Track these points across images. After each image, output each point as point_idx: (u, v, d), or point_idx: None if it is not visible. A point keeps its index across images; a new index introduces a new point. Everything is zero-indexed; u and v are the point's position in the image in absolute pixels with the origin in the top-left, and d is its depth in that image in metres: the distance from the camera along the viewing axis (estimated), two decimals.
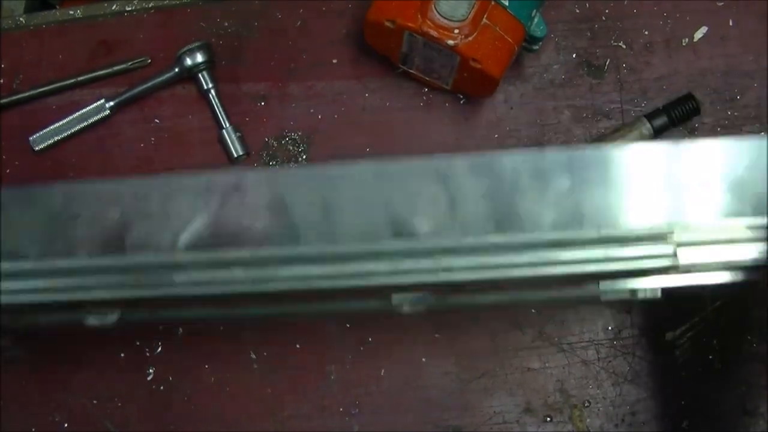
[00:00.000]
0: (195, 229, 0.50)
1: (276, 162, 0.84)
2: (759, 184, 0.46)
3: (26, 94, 0.87)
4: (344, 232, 0.50)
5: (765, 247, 0.61)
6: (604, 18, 0.83)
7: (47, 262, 0.51)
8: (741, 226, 0.48)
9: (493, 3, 0.72)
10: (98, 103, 0.86)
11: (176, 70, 0.85)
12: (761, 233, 0.49)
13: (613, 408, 0.77)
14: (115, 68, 0.87)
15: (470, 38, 0.72)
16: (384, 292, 0.63)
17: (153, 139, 0.86)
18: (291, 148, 0.84)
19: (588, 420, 0.77)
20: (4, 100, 0.87)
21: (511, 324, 0.79)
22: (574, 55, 0.83)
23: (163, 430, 0.81)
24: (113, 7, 0.90)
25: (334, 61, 0.86)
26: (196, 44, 0.84)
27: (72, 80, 0.87)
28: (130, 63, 0.86)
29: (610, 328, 0.79)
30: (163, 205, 0.50)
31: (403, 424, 0.79)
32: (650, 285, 0.64)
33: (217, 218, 0.50)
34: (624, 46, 0.83)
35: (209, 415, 0.81)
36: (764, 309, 0.72)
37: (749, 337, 0.77)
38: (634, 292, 0.59)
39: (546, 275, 0.50)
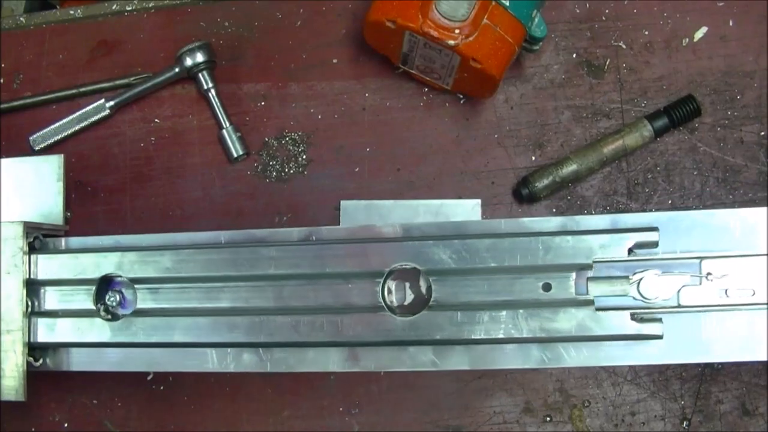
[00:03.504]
0: None
1: (276, 162, 0.84)
2: None
3: (28, 101, 0.88)
4: None
5: None
6: (604, 18, 0.83)
7: None
8: None
9: (493, 3, 0.72)
10: (98, 103, 0.86)
11: (176, 70, 0.85)
12: None
13: (613, 408, 0.77)
14: (117, 82, 0.87)
15: (471, 38, 0.71)
16: None
17: (153, 138, 0.86)
18: (291, 148, 0.84)
19: (588, 420, 0.77)
20: (4, 105, 0.87)
21: None
22: (574, 55, 0.83)
23: (163, 430, 0.82)
24: (113, 7, 0.90)
25: (334, 61, 0.86)
26: (196, 44, 0.83)
27: (74, 90, 0.87)
28: (133, 78, 0.86)
29: None
30: None
31: (403, 424, 0.79)
32: None
33: None
34: (624, 46, 0.83)
35: (209, 415, 0.81)
36: None
37: None
38: None
39: None
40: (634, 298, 0.63)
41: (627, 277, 0.63)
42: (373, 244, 0.66)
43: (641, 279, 0.63)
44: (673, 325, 0.63)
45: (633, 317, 0.61)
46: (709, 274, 0.63)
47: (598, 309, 0.62)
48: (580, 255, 0.62)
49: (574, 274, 0.63)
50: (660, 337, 0.61)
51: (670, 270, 0.64)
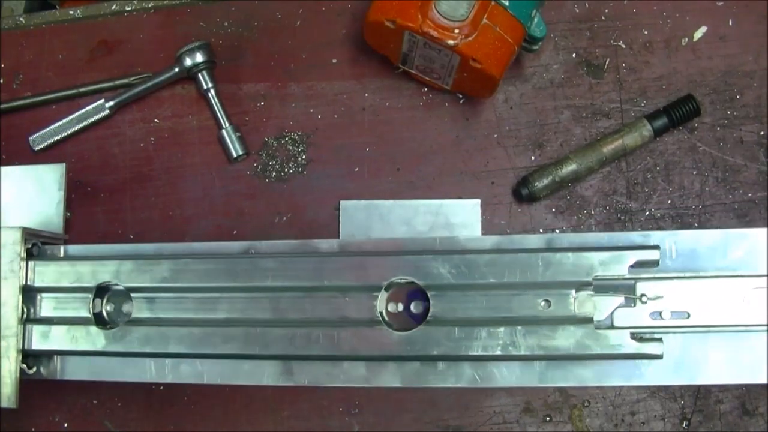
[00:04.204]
0: None
1: (276, 162, 0.84)
2: None
3: (28, 101, 0.88)
4: None
5: None
6: (603, 18, 0.83)
7: None
8: None
9: (493, 3, 0.72)
10: (98, 103, 0.86)
11: (176, 70, 0.85)
12: None
13: (613, 408, 0.77)
14: (117, 82, 0.87)
15: (470, 38, 0.71)
16: None
17: (153, 138, 0.86)
18: (291, 147, 0.84)
19: (587, 420, 0.77)
20: (4, 105, 0.87)
21: None
22: (573, 55, 0.83)
23: (163, 430, 0.82)
24: (113, 7, 0.90)
25: (334, 61, 0.86)
26: (196, 44, 0.84)
27: (74, 90, 0.87)
28: (132, 78, 0.86)
29: None
30: None
31: (403, 424, 0.79)
32: None
33: None
34: (624, 46, 0.83)
35: (209, 415, 0.81)
36: None
37: None
38: None
39: None
40: None
41: None
42: (372, 257, 0.65)
43: (575, 299, 0.62)
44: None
45: (633, 336, 0.60)
46: (643, 295, 0.63)
47: (598, 327, 0.61)
48: (580, 272, 0.61)
49: (573, 291, 0.62)
50: (660, 356, 0.60)
51: (604, 291, 0.63)
